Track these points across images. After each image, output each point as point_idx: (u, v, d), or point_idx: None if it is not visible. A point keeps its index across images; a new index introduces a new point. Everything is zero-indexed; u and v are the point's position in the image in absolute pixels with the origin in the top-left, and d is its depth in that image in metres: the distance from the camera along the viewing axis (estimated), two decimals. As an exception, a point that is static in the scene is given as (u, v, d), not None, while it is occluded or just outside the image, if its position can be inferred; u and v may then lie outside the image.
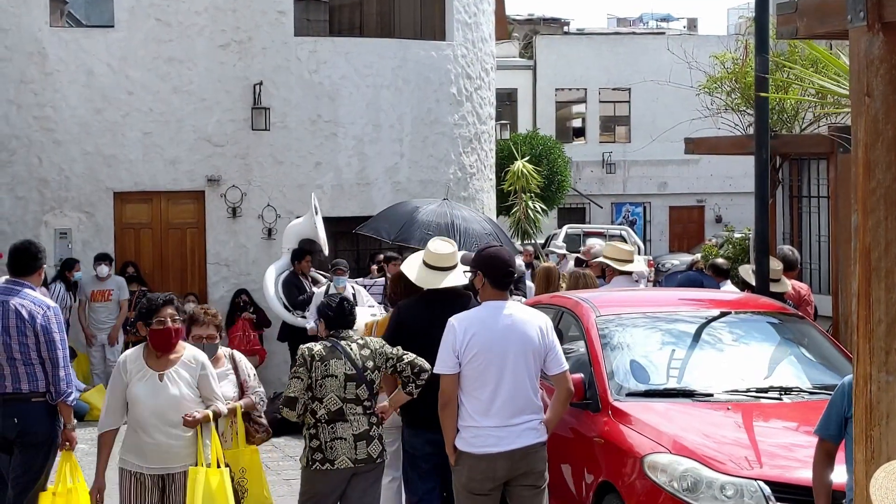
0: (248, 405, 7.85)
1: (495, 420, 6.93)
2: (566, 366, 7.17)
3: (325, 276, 15.41)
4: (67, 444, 8.02)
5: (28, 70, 16.50)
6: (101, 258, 15.84)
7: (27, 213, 16.53)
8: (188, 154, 16.88)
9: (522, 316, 7.13)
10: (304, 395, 7.33)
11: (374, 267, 16.29)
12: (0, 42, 16.44)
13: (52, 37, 16.60)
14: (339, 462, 7.28)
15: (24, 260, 8.36)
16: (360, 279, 15.29)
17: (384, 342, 7.60)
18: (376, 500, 7.58)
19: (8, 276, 8.44)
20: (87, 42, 16.74)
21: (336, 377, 7.29)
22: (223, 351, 8.00)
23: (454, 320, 7.07)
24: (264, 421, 7.99)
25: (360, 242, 17.82)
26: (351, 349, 7.38)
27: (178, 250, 17.17)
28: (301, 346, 7.57)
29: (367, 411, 7.37)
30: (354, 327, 7.66)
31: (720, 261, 13.32)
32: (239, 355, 8.07)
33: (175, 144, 16.83)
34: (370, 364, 7.37)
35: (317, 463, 7.32)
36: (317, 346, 7.41)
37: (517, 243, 24.20)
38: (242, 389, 7.91)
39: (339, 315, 7.52)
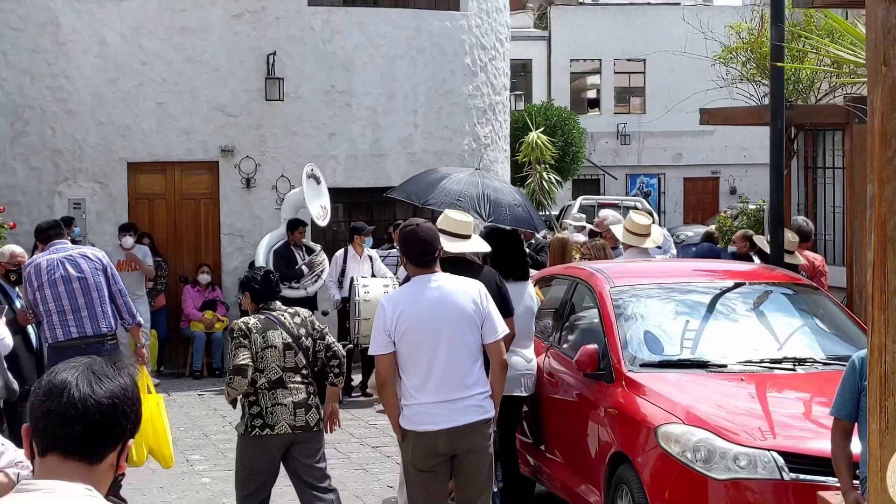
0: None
1: (433, 395, 6.74)
2: (502, 334, 6.88)
3: (316, 246, 15.57)
4: (139, 360, 9.49)
5: (41, 40, 16.48)
6: (126, 228, 15.84)
7: (41, 184, 16.55)
8: (202, 124, 16.86)
9: (452, 286, 6.85)
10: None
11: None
12: (13, 12, 16.43)
13: (66, 6, 16.56)
14: (279, 427, 7.48)
15: (54, 228, 9.85)
16: (375, 250, 15.32)
17: (311, 313, 7.89)
18: (322, 470, 7.71)
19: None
20: (101, 12, 16.70)
21: (276, 347, 7.52)
22: None
23: (384, 299, 7.06)
24: None
25: (374, 213, 17.81)
26: (284, 318, 7.63)
27: (193, 221, 17.18)
28: (235, 321, 7.88)
29: (305, 380, 7.61)
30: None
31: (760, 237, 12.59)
32: None
33: (189, 115, 16.82)
34: (303, 332, 7.64)
35: (256, 429, 7.51)
36: (252, 320, 7.62)
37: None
38: None
39: (265, 288, 7.74)
